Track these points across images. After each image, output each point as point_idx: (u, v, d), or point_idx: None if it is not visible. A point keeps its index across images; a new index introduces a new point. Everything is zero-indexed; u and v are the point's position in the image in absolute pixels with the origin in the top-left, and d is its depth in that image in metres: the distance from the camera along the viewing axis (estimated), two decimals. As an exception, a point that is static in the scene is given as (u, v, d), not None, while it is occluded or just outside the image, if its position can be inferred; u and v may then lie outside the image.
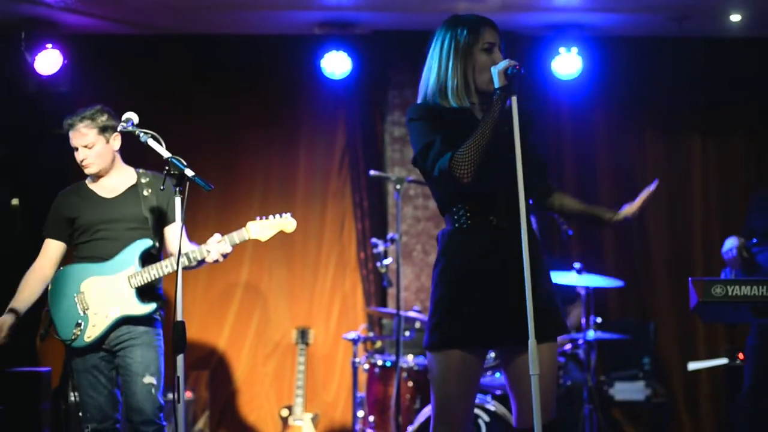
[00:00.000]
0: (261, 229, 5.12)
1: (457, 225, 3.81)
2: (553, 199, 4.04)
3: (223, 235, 5.03)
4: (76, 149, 5.13)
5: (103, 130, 5.09)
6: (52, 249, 5.19)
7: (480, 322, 3.70)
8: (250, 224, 5.11)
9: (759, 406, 5.81)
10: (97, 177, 5.19)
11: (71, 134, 5.13)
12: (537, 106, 3.83)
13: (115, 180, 5.19)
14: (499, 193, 3.73)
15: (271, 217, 5.16)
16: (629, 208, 3.97)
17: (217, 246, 4.98)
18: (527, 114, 3.90)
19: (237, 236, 5.05)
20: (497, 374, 6.40)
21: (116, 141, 5.14)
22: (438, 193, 3.90)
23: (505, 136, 3.65)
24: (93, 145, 5.08)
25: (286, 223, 5.19)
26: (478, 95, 3.83)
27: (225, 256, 5.02)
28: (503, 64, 3.69)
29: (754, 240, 5.79)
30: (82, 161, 5.13)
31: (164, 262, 4.98)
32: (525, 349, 3.57)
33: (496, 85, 3.67)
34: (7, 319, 5.07)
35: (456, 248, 3.81)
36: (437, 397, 3.79)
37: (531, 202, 3.99)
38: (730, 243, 5.84)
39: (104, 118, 5.10)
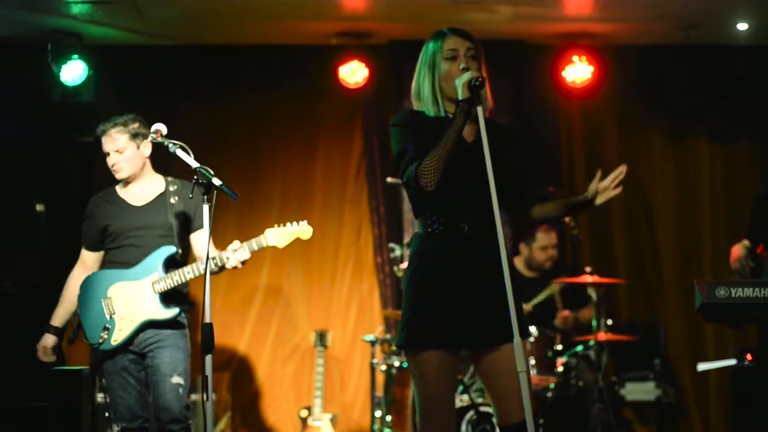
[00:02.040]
0: (278, 236, 5.22)
1: (429, 230, 3.90)
2: (534, 211, 4.07)
3: (241, 242, 5.14)
4: (108, 154, 5.25)
5: (134, 136, 5.20)
6: (90, 260, 5.34)
7: (448, 323, 3.80)
8: (267, 231, 5.22)
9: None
10: (126, 183, 5.30)
11: (104, 139, 5.26)
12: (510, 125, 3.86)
13: (144, 187, 5.30)
14: (471, 201, 3.82)
15: (288, 224, 5.26)
16: (595, 183, 4.00)
17: (235, 253, 5.09)
18: (498, 129, 3.97)
19: (255, 243, 5.16)
20: None
21: (147, 148, 5.24)
22: (412, 197, 3.99)
23: (476, 146, 3.75)
24: (124, 150, 5.20)
25: (303, 230, 5.29)
26: (449, 103, 3.91)
27: (243, 262, 5.13)
28: (466, 76, 3.75)
29: (759, 247, 5.85)
30: (112, 165, 5.24)
31: (186, 269, 5.10)
32: (494, 348, 3.76)
33: (459, 97, 3.75)
34: (50, 339, 5.30)
35: (427, 251, 3.90)
36: (420, 396, 3.88)
37: (516, 214, 4.10)
38: (736, 253, 5.90)
39: (136, 125, 5.22)
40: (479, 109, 3.72)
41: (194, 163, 4.62)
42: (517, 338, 3.54)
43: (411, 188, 3.85)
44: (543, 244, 7.66)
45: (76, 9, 7.31)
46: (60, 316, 5.33)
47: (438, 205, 3.88)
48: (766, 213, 5.92)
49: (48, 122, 8.10)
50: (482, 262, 3.79)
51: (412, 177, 3.77)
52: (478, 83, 3.72)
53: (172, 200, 5.26)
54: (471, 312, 3.80)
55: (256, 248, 5.16)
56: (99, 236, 5.28)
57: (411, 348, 3.88)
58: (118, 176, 5.29)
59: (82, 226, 5.37)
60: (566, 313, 7.52)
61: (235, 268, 5.14)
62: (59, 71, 7.71)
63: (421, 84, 3.97)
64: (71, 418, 5.49)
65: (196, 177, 4.53)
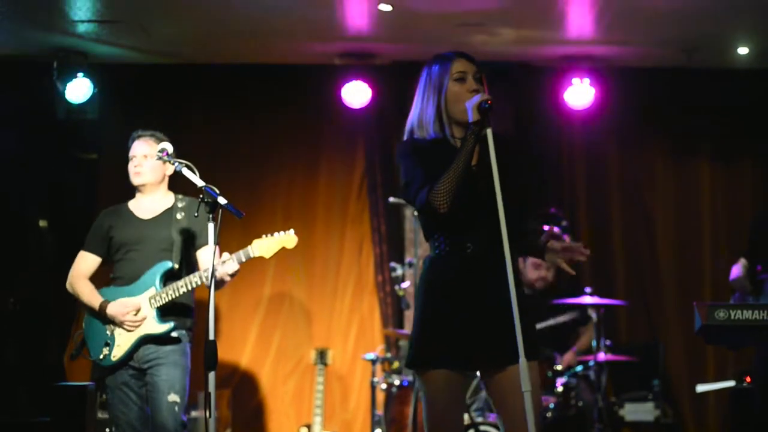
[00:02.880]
0: (264, 246, 5.24)
1: (436, 252, 3.94)
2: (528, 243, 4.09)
3: (230, 254, 5.18)
4: (132, 158, 5.31)
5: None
6: (86, 261, 5.36)
7: (455, 343, 3.81)
8: (255, 242, 5.25)
9: None
10: (140, 192, 5.37)
11: (135, 143, 5.33)
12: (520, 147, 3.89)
13: (155, 202, 5.37)
14: (477, 222, 3.83)
15: (275, 233, 5.29)
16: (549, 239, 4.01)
17: (224, 265, 5.12)
18: (504, 144, 3.94)
19: (243, 254, 5.18)
20: None
21: (170, 167, 5.30)
22: (421, 222, 4.04)
23: (484, 168, 3.77)
24: (150, 158, 5.26)
25: (288, 239, 5.30)
26: (455, 126, 3.93)
27: (232, 274, 5.17)
28: (476, 98, 3.78)
29: (758, 267, 5.91)
30: (135, 167, 5.30)
31: (179, 282, 5.15)
32: (502, 369, 3.76)
33: (470, 119, 3.78)
34: (117, 304, 5.21)
35: (433, 272, 3.93)
36: (428, 415, 3.90)
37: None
38: (735, 272, 5.96)
39: (168, 144, 5.17)
40: (489, 132, 3.75)
41: (200, 182, 4.67)
42: (522, 359, 3.56)
43: (424, 213, 3.89)
44: (536, 261, 7.51)
45: (82, 28, 7.38)
46: (93, 295, 5.28)
47: (443, 227, 3.91)
48: (765, 233, 5.97)
49: (52, 139, 8.15)
50: (489, 281, 3.80)
51: (424, 202, 3.81)
52: (488, 105, 3.76)
53: (178, 216, 5.32)
54: (478, 332, 3.81)
55: (243, 259, 5.19)
56: (103, 242, 5.33)
57: (418, 367, 3.91)
58: (136, 180, 5.34)
59: (87, 234, 5.42)
60: (569, 357, 7.40)
61: (222, 279, 5.17)
62: (64, 89, 7.77)
63: (423, 106, 3.98)
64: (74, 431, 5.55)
65: (201, 196, 4.58)
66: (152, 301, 5.17)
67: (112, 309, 5.17)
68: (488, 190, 3.69)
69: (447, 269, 3.91)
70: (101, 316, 5.20)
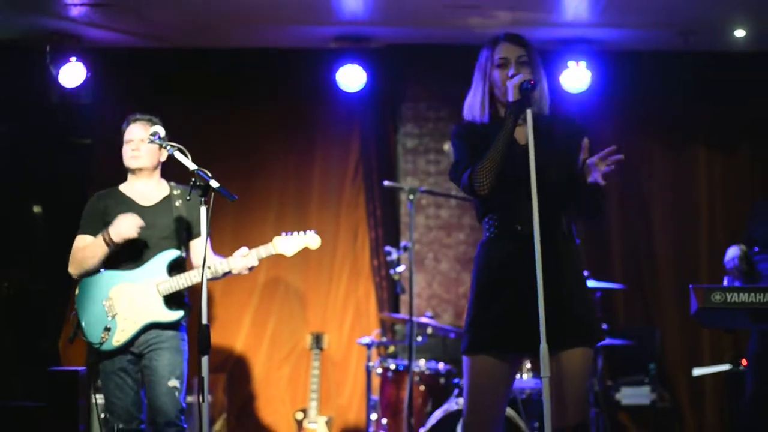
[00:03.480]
0: (287, 244, 5.29)
1: (487, 234, 3.96)
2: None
3: (249, 248, 5.19)
4: (129, 142, 5.26)
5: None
6: (86, 243, 5.24)
7: (505, 327, 3.81)
8: (276, 239, 5.28)
9: (761, 412, 5.91)
10: (134, 176, 5.32)
11: (132, 126, 5.30)
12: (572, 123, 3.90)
13: (150, 188, 5.34)
14: (526, 202, 3.76)
15: (296, 233, 5.32)
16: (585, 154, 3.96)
17: (243, 260, 5.15)
18: (564, 124, 4.03)
19: (264, 251, 5.23)
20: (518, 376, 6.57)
21: (164, 154, 5.28)
22: (474, 204, 4.06)
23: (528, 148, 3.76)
24: (147, 141, 5.20)
25: (312, 239, 5.37)
26: (503, 109, 3.95)
27: (251, 269, 5.21)
28: (517, 78, 3.81)
29: (756, 249, 5.92)
30: (133, 151, 5.25)
31: (192, 273, 5.14)
32: (556, 353, 3.73)
33: (510, 99, 3.81)
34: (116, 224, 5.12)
35: (485, 256, 3.95)
36: (469, 400, 3.90)
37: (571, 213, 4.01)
38: (732, 252, 5.95)
39: (163, 130, 5.15)
40: (528, 112, 3.75)
41: (192, 165, 4.65)
42: (543, 345, 3.56)
43: (467, 194, 3.92)
44: None
45: (75, 11, 7.33)
46: (93, 241, 5.17)
47: (493, 209, 3.92)
48: (762, 218, 5.98)
49: (46, 124, 8.12)
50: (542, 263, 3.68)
51: (466, 183, 3.83)
52: (529, 86, 3.77)
53: (176, 203, 5.31)
54: (527, 316, 3.74)
55: (264, 255, 5.24)
56: (100, 224, 5.22)
57: (468, 351, 3.89)
58: (133, 163, 5.29)
59: (81, 220, 5.33)
60: None
61: (240, 273, 5.21)
62: (58, 73, 7.71)
63: (474, 92, 4.04)
64: (68, 417, 5.54)
65: (193, 179, 4.56)
66: (160, 287, 5.15)
67: (116, 227, 5.07)
68: (537, 170, 3.69)
69: (498, 252, 3.92)
70: (97, 297, 5.14)
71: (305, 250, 5.36)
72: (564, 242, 3.89)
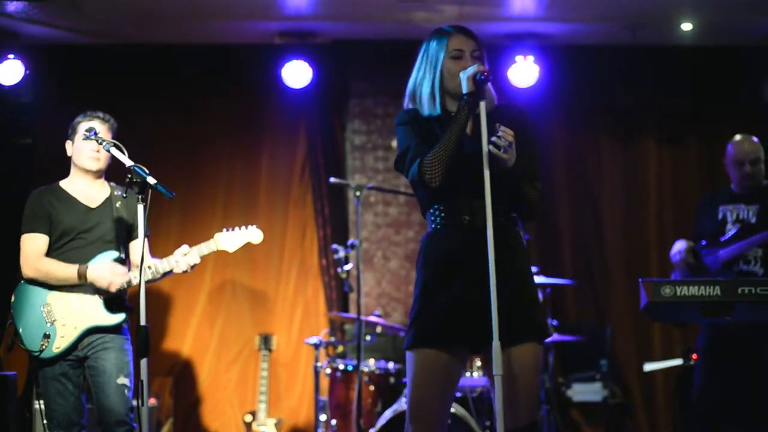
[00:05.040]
0: (229, 240, 5.18)
1: (433, 226, 3.88)
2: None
3: (190, 246, 5.08)
4: (97, 141, 5.00)
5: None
6: (37, 241, 5.07)
7: (452, 320, 3.73)
8: (217, 235, 5.17)
9: (709, 406, 5.92)
10: (81, 176, 5.15)
11: (102, 125, 5.11)
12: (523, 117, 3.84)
13: (94, 189, 5.19)
14: (473, 195, 3.75)
15: (237, 228, 5.21)
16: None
17: (184, 258, 5.03)
18: (511, 114, 3.93)
19: (205, 247, 5.11)
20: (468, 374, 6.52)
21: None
22: (417, 196, 3.98)
23: (476, 139, 3.71)
24: (82, 138, 5.06)
25: (254, 234, 5.25)
26: (451, 100, 3.88)
27: (193, 267, 5.09)
28: (471, 69, 3.74)
29: (703, 242, 5.93)
30: (96, 152, 5.08)
31: (131, 274, 5.02)
32: (506, 349, 3.63)
33: (464, 90, 3.74)
34: (95, 267, 5.00)
35: (430, 248, 3.87)
36: (411, 396, 3.81)
37: (518, 207, 3.94)
38: (678, 246, 5.98)
39: (96, 122, 5.07)
40: (482, 104, 3.69)
41: (128, 162, 4.55)
42: (496, 342, 3.50)
43: (415, 185, 3.85)
44: None
45: (12, 7, 7.19)
46: (65, 266, 5.01)
47: (439, 200, 3.85)
48: (709, 212, 6.01)
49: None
50: (486, 258, 3.60)
51: (416, 174, 3.75)
52: (483, 77, 3.71)
53: (117, 204, 5.18)
54: (474, 309, 3.69)
55: (206, 252, 5.13)
56: (47, 222, 5.06)
57: (412, 345, 3.81)
58: (92, 165, 5.11)
59: (23, 218, 5.13)
60: None
61: (184, 272, 5.10)
62: (-5, 71, 7.56)
63: (419, 82, 3.94)
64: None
65: (129, 176, 4.43)
66: (100, 291, 5.02)
67: (95, 271, 4.95)
68: (481, 163, 3.63)
69: (443, 244, 3.84)
70: (35, 303, 5.01)
71: (252, 249, 5.27)
72: (511, 236, 3.83)
